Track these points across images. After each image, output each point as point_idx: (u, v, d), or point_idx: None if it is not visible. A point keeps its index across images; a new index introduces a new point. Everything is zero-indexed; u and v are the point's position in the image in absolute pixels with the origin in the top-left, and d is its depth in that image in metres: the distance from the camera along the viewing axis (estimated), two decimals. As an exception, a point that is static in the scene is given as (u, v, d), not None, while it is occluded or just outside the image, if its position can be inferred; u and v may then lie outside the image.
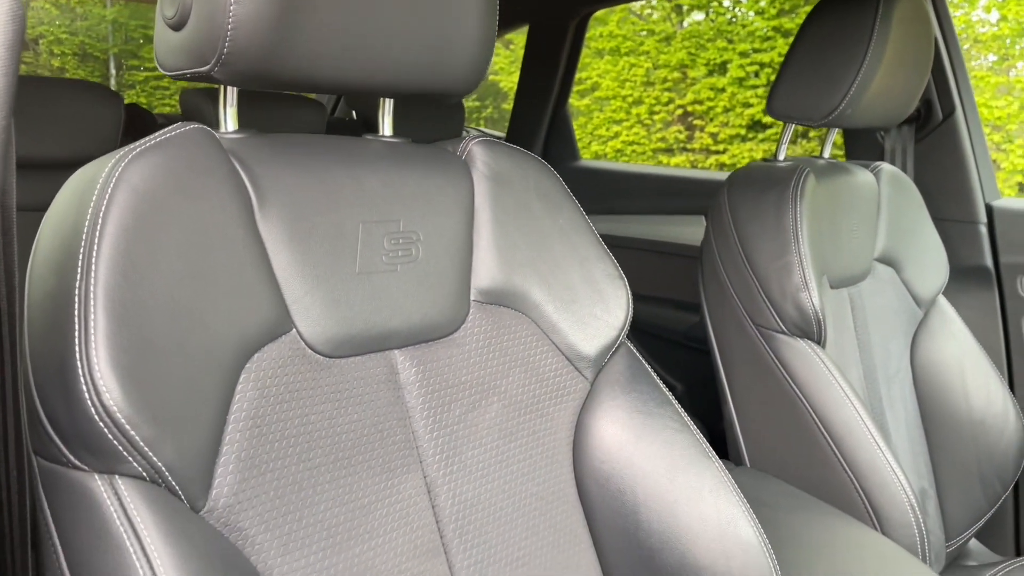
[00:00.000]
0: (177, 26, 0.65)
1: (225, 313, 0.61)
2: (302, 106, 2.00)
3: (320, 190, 0.70)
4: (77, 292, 0.55)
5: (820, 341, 1.15)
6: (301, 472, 0.65)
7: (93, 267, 0.55)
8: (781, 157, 1.28)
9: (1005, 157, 5.41)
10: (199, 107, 1.74)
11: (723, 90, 6.48)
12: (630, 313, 0.87)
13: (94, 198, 0.58)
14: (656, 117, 6.88)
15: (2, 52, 0.42)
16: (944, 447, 1.33)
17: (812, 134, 5.61)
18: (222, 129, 0.70)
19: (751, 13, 6.52)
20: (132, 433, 0.55)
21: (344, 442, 0.68)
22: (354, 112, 2.68)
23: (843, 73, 1.15)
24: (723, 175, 1.80)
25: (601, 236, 0.89)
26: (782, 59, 1.23)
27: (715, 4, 6.78)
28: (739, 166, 1.31)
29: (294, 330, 0.67)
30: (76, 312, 0.55)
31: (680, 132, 6.80)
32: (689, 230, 1.93)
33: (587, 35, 2.40)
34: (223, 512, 0.60)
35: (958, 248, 1.56)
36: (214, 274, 0.61)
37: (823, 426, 1.13)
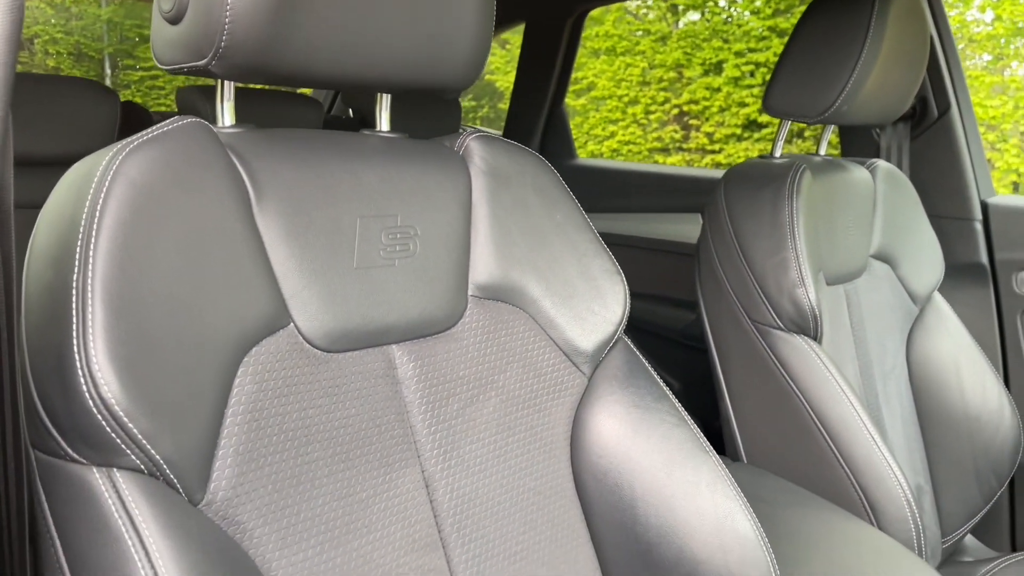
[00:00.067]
0: (174, 20, 0.65)
1: (223, 307, 0.61)
2: (299, 104, 2.00)
3: (318, 185, 0.70)
4: (75, 285, 0.55)
5: (816, 337, 1.15)
6: (299, 466, 0.65)
7: (91, 260, 0.55)
8: (777, 154, 1.28)
9: (1000, 157, 5.43)
10: (195, 105, 1.74)
11: (719, 90, 6.49)
12: (627, 308, 0.87)
13: (91, 191, 0.57)
14: (652, 117, 6.89)
15: (1, 44, 0.42)
16: (940, 443, 1.33)
17: (807, 133, 5.62)
18: (219, 124, 0.70)
19: (747, 13, 6.53)
20: (130, 426, 0.54)
21: (342, 436, 0.69)
22: (351, 110, 2.68)
23: (839, 70, 1.16)
24: (719, 173, 1.81)
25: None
26: (777, 59, 1.24)
27: (711, 4, 6.79)
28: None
29: (292, 324, 0.67)
30: (74, 305, 0.55)
31: (676, 132, 6.81)
32: (685, 228, 1.94)
33: (583, 35, 2.41)
34: (221, 505, 0.60)
35: (954, 245, 1.56)
36: (212, 268, 0.61)
37: (819, 422, 1.13)
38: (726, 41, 6.45)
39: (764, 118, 6.25)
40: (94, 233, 0.56)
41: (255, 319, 0.64)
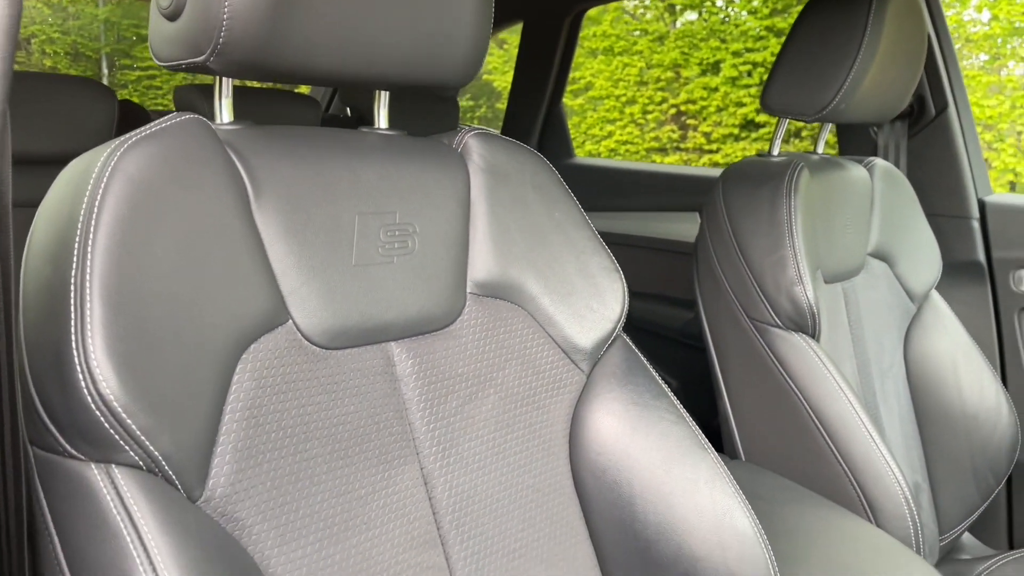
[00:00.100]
0: (172, 16, 0.64)
1: (221, 303, 0.61)
2: (296, 102, 1.99)
3: (316, 182, 0.70)
4: (73, 281, 0.55)
5: (814, 335, 1.16)
6: (298, 463, 0.65)
7: (89, 256, 0.55)
8: (775, 152, 1.28)
9: (996, 156, 5.44)
10: (193, 104, 1.74)
11: (716, 89, 6.50)
12: (626, 306, 0.87)
13: (89, 187, 0.57)
14: (649, 116, 6.90)
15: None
16: (937, 441, 1.33)
17: (804, 133, 5.62)
18: (217, 120, 0.70)
19: (744, 13, 6.53)
20: (128, 422, 0.54)
21: (341, 433, 0.68)
22: (348, 109, 2.68)
23: (837, 68, 1.16)
24: (717, 172, 1.81)
25: None
26: (775, 58, 1.24)
27: (708, 4, 6.80)
28: (733, 164, 1.31)
29: (290, 321, 0.67)
30: (72, 301, 0.55)
31: (673, 131, 6.81)
32: (683, 227, 1.94)
33: (580, 34, 2.41)
34: (220, 502, 0.60)
35: (951, 243, 1.56)
36: (210, 264, 0.61)
37: (817, 419, 1.13)
38: (723, 41, 6.46)
39: (761, 118, 6.26)
40: (92, 229, 0.56)
41: (253, 316, 0.64)
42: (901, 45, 1.21)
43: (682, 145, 6.77)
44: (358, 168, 0.73)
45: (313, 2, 0.64)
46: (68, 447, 0.55)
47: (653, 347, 1.92)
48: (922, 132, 1.59)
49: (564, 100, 2.49)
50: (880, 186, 1.37)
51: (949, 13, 5.47)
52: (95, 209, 0.56)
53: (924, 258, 1.40)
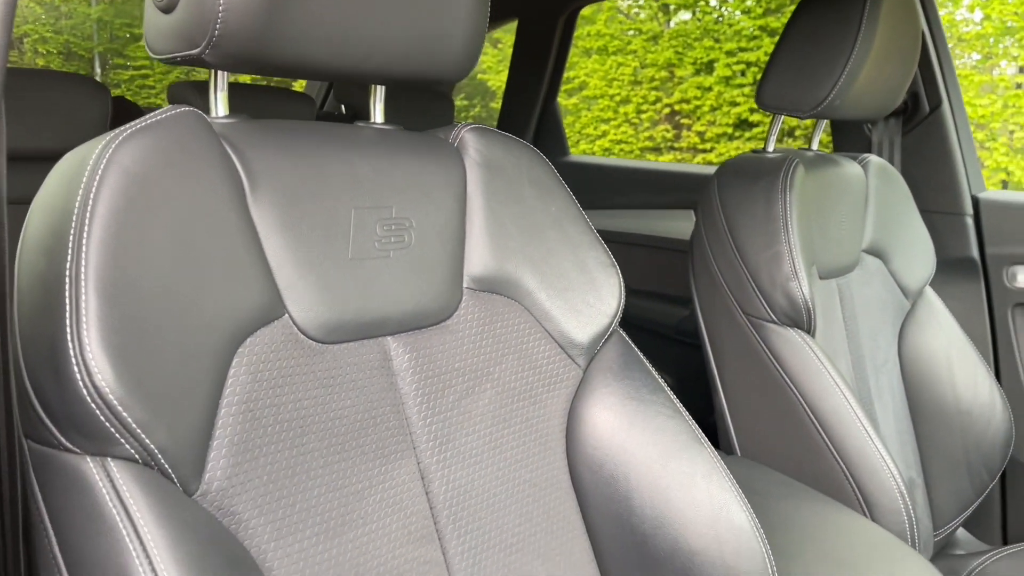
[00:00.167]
0: (167, 9, 0.64)
1: (217, 296, 0.61)
2: (291, 99, 1.99)
3: (312, 176, 0.70)
4: (68, 274, 0.55)
5: (810, 330, 1.16)
6: (294, 457, 0.65)
7: (84, 249, 0.55)
8: (770, 148, 1.29)
9: (988, 155, 5.46)
10: (187, 101, 1.73)
11: (710, 89, 6.51)
12: (623, 301, 0.87)
13: (84, 180, 0.57)
14: (644, 116, 6.91)
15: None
16: (932, 437, 1.34)
17: (798, 133, 5.64)
18: (213, 114, 0.70)
19: (737, 12, 6.55)
20: (124, 415, 0.54)
21: (337, 428, 0.68)
22: (343, 106, 2.68)
23: (831, 65, 1.16)
24: (712, 169, 1.81)
25: None
26: (768, 57, 1.24)
27: (702, 3, 6.81)
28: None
29: (287, 315, 0.66)
30: (67, 294, 0.54)
31: (667, 131, 6.82)
32: (678, 224, 1.94)
33: (575, 34, 2.41)
34: (216, 496, 0.60)
35: (945, 240, 1.57)
36: (206, 257, 0.61)
37: (813, 414, 1.13)
38: (717, 40, 6.47)
39: (755, 117, 6.27)
40: (87, 221, 0.56)
41: (249, 309, 0.63)
42: (895, 42, 1.22)
43: (676, 144, 6.78)
44: (354, 162, 0.73)
45: None
46: (63, 440, 0.55)
47: (649, 344, 1.92)
48: (916, 129, 1.60)
49: (558, 99, 2.49)
50: (874, 183, 1.37)
51: (941, 12, 5.49)
52: (90, 201, 0.56)
53: (918, 254, 1.41)
